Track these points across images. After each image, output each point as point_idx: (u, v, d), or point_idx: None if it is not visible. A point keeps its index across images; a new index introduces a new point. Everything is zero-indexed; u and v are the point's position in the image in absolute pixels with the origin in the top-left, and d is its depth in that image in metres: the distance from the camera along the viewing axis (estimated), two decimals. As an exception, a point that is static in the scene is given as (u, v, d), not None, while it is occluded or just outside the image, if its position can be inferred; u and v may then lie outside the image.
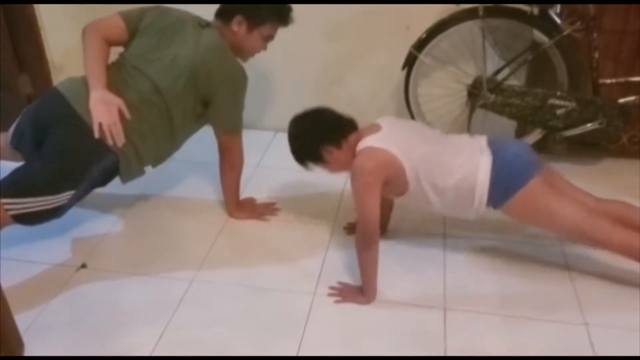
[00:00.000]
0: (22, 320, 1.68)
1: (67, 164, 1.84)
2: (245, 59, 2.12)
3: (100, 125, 1.83)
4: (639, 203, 2.30)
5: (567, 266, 1.97)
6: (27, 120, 1.97)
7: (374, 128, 1.85)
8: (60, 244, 2.08)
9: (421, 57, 2.43)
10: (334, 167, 1.90)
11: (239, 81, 2.04)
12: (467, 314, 1.77)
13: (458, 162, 1.78)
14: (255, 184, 2.46)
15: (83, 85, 1.90)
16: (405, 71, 2.50)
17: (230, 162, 2.15)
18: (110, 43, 1.99)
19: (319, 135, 1.86)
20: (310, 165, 1.92)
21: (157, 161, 2.10)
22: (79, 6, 2.83)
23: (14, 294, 1.71)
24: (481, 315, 1.77)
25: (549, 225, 1.83)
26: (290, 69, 2.83)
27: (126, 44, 2.03)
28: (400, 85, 2.59)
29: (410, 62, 2.47)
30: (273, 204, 2.31)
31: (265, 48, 2.13)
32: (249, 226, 2.21)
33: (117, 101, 1.86)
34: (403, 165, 1.76)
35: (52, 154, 1.85)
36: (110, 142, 1.85)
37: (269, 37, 2.10)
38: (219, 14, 2.06)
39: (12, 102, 2.81)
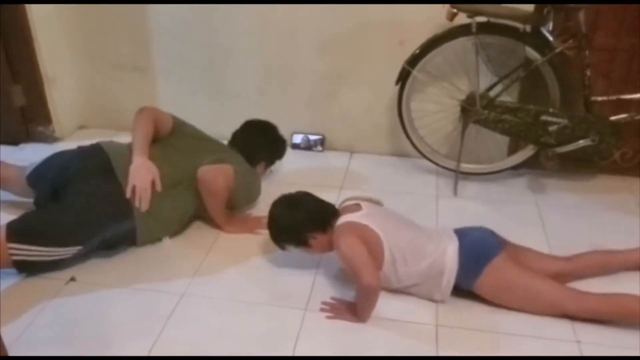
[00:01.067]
0: (9, 333, 1.65)
1: (86, 217, 1.93)
2: None
3: (134, 187, 1.95)
4: (630, 219, 2.33)
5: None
6: (58, 163, 2.09)
7: (354, 208, 1.90)
8: (49, 257, 2.05)
9: (415, 72, 2.45)
10: (315, 250, 1.93)
11: (257, 182, 2.37)
12: (459, 331, 1.76)
13: (428, 247, 1.82)
14: (248, 198, 2.45)
15: (127, 150, 2.10)
16: (398, 86, 2.51)
17: (210, 190, 2.15)
18: (156, 129, 2.17)
19: (307, 221, 1.89)
20: (289, 247, 1.94)
21: (167, 233, 2.17)
22: (72, 19, 2.84)
23: (0, 307, 1.69)
24: (473, 332, 1.76)
25: (521, 302, 1.81)
26: (284, 83, 2.84)
27: (170, 136, 2.23)
28: (394, 101, 2.60)
29: (403, 78, 2.48)
30: (264, 217, 2.28)
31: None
32: (241, 240, 2.19)
33: (155, 171, 2.03)
34: (382, 242, 1.80)
35: (75, 204, 1.94)
36: (137, 204, 1.97)
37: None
38: (245, 154, 2.34)
39: (5, 113, 2.81)
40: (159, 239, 2.14)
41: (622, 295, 1.77)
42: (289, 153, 2.86)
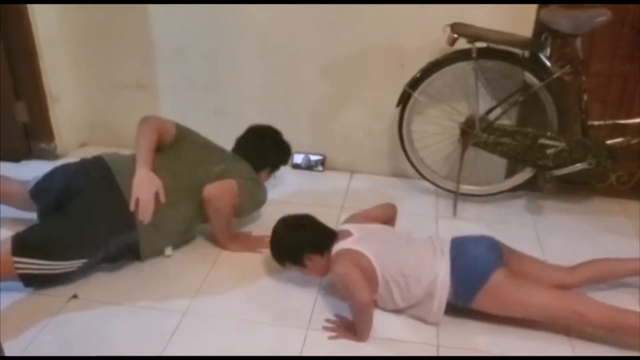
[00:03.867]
0: (12, 350, 1.65)
1: (91, 232, 1.94)
2: None
3: (137, 199, 1.96)
4: (626, 241, 2.35)
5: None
6: (61, 176, 2.08)
7: (345, 234, 1.95)
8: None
9: (415, 95, 2.49)
10: (310, 271, 1.98)
11: (262, 189, 2.37)
12: (459, 351, 1.78)
13: (421, 270, 1.84)
14: (250, 217, 2.46)
15: (129, 161, 2.10)
16: (399, 108, 2.55)
17: (216, 209, 2.17)
18: (160, 138, 2.16)
19: (306, 244, 1.95)
20: (289, 265, 2.00)
21: (169, 244, 2.19)
22: (77, 37, 2.87)
23: (3, 323, 1.69)
24: (473, 352, 1.78)
25: (523, 313, 1.83)
26: (285, 104, 2.87)
27: (170, 147, 2.21)
28: (394, 122, 2.63)
29: (404, 100, 2.52)
30: (267, 236, 2.30)
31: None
32: (243, 259, 2.21)
33: (158, 183, 2.03)
34: (374, 268, 1.83)
35: (79, 219, 1.94)
36: (140, 216, 1.96)
37: None
38: (249, 160, 2.34)
39: (7, 129, 2.82)
40: (162, 252, 2.15)
41: (625, 310, 1.78)
42: (290, 173, 2.90)
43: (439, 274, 1.82)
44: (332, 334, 1.82)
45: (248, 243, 2.27)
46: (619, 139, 2.40)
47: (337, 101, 2.83)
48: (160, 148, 2.16)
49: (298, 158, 2.95)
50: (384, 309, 1.90)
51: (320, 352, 1.76)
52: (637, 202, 2.67)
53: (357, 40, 2.67)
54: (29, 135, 2.91)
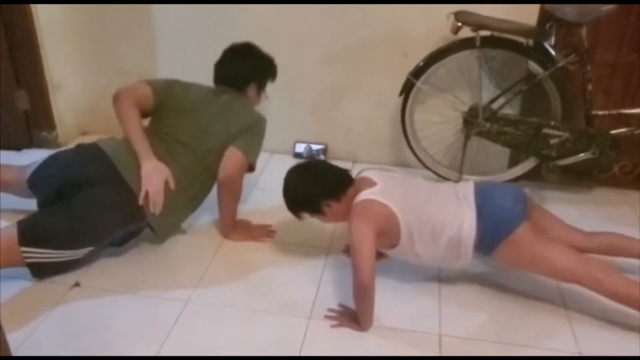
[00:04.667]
0: (14, 339, 1.65)
1: (96, 223, 1.92)
2: None
3: (146, 192, 1.95)
4: (629, 232, 2.35)
5: (561, 292, 1.98)
6: (59, 166, 2.04)
7: (369, 182, 1.89)
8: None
9: (418, 84, 2.47)
10: (329, 218, 1.95)
11: (261, 121, 2.26)
12: (462, 341, 1.77)
13: (446, 219, 1.81)
14: (251, 206, 2.46)
15: (127, 149, 2.03)
16: (402, 97, 2.53)
17: (232, 192, 2.18)
18: (141, 111, 2.13)
19: (320, 189, 1.90)
20: (304, 215, 1.97)
21: (183, 220, 2.23)
22: (78, 25, 2.85)
23: (5, 312, 1.69)
24: (476, 342, 1.77)
25: (539, 270, 1.84)
26: (288, 93, 2.85)
27: (150, 114, 2.18)
28: (396, 112, 2.62)
29: (407, 89, 2.50)
30: (268, 226, 2.31)
31: (260, 103, 2.40)
32: (244, 248, 2.20)
33: (166, 171, 2.02)
34: (399, 222, 1.80)
35: (84, 210, 1.91)
36: (151, 209, 1.98)
37: (265, 92, 2.39)
38: (230, 83, 2.26)
39: (9, 118, 2.82)
40: (179, 229, 2.21)
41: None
42: (291, 162, 2.86)
43: (465, 221, 1.79)
44: (334, 322, 1.82)
45: (250, 232, 2.26)
46: (623, 129, 2.39)
47: (339, 90, 2.81)
48: (146, 114, 2.15)
49: (300, 147, 2.94)
50: (407, 261, 1.88)
51: (322, 342, 1.76)
52: (640, 193, 2.67)
53: (359, 29, 2.64)
54: (30, 123, 2.90)
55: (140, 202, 1.96)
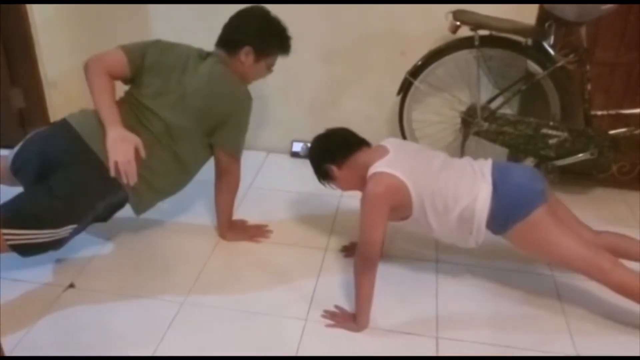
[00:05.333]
0: (8, 340, 1.64)
1: (74, 199, 1.84)
2: (248, 83, 2.13)
3: (116, 163, 1.85)
4: (628, 232, 2.34)
5: (559, 295, 1.97)
6: (34, 149, 1.95)
7: (381, 151, 1.88)
8: (48, 263, 2.04)
9: (416, 83, 2.45)
10: (341, 184, 1.97)
11: (245, 104, 2.07)
12: (459, 343, 1.76)
13: (460, 191, 1.78)
14: (248, 205, 2.44)
15: (97, 121, 1.92)
16: (400, 97, 2.51)
17: (228, 184, 2.15)
18: (113, 78, 2.01)
19: (320, 153, 1.97)
20: (325, 183, 1.99)
21: (172, 193, 2.11)
22: (74, 23, 2.83)
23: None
24: (473, 344, 1.76)
25: (550, 255, 1.83)
26: (285, 91, 2.84)
27: (131, 81, 2.05)
28: (395, 110, 2.60)
29: (405, 88, 2.49)
30: (265, 225, 2.30)
31: (264, 76, 2.18)
32: (240, 248, 2.19)
33: (135, 140, 1.89)
34: (410, 192, 1.78)
35: (60, 188, 1.83)
36: (124, 180, 1.86)
37: (272, 66, 2.15)
38: (224, 44, 2.07)
39: (3, 116, 2.79)
40: (156, 206, 2.08)
41: None
42: (289, 161, 2.87)
43: (479, 196, 1.76)
44: (330, 322, 1.81)
45: (246, 232, 2.25)
46: (622, 129, 2.38)
47: (337, 88, 2.79)
48: (126, 82, 2.04)
49: (297, 146, 2.93)
50: (420, 233, 1.89)
51: (319, 343, 1.74)
52: (638, 193, 2.65)
53: (357, 26, 2.63)
54: (25, 121, 2.87)
55: (112, 173, 1.85)
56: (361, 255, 1.76)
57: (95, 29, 2.86)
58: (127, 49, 2.02)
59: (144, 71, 2.02)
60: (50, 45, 2.78)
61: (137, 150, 1.89)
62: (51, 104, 2.88)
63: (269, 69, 2.14)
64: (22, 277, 1.95)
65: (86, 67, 2.00)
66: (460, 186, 1.79)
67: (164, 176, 2.00)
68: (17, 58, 2.72)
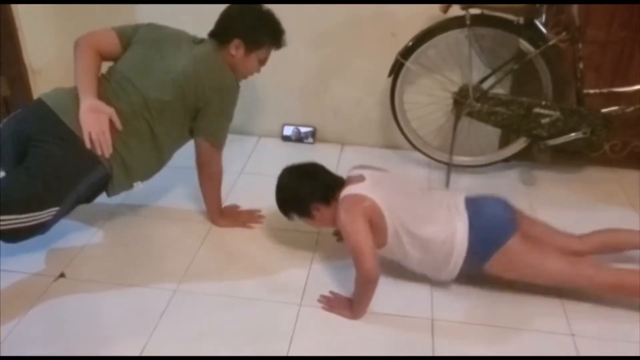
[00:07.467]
0: (-2, 331, 1.62)
1: (53, 179, 1.77)
2: (239, 79, 2.09)
3: (89, 134, 1.78)
4: (619, 210, 2.35)
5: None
6: (9, 131, 1.89)
7: (358, 178, 1.86)
8: (37, 253, 2.01)
9: (408, 64, 2.42)
10: (317, 223, 1.92)
11: (230, 93, 2.03)
12: (454, 324, 1.76)
13: (437, 224, 1.79)
14: (239, 191, 2.42)
15: (71, 96, 1.86)
16: (391, 78, 2.49)
17: (209, 176, 2.12)
18: (102, 56, 1.97)
19: (311, 191, 1.87)
20: (294, 217, 1.93)
21: (145, 175, 2.03)
22: (59, 11, 2.77)
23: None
24: (468, 326, 1.76)
25: (532, 279, 1.82)
26: (275, 75, 2.78)
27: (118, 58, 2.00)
28: (385, 93, 2.58)
29: (396, 70, 2.46)
30: (257, 211, 2.28)
31: (259, 70, 2.14)
32: (233, 234, 2.17)
33: (108, 110, 1.82)
34: (385, 217, 1.77)
35: (38, 169, 1.77)
36: (98, 151, 1.80)
37: (265, 60, 2.12)
38: (214, 36, 2.04)
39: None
40: (131, 186, 1.97)
41: (631, 271, 1.81)
42: (280, 145, 2.85)
43: (457, 231, 1.77)
44: (326, 306, 1.80)
45: (238, 218, 2.23)
46: (614, 108, 2.37)
47: (327, 72, 2.76)
48: (114, 61, 1.99)
49: (288, 130, 2.90)
50: (397, 261, 1.87)
51: (314, 329, 1.73)
52: (630, 171, 2.66)
53: (346, 8, 2.59)
54: (10, 110, 2.81)
55: (87, 144, 1.78)
56: (362, 275, 1.72)
57: (80, 17, 2.80)
58: (119, 30, 2.00)
59: (132, 44, 1.99)
60: (34, 33, 2.72)
61: (112, 122, 1.83)
62: (36, 92, 2.82)
63: (261, 62, 2.10)
64: (11, 268, 1.92)
65: (76, 44, 1.96)
66: (436, 220, 1.80)
67: (137, 153, 1.92)
68: (1, 46, 2.66)
